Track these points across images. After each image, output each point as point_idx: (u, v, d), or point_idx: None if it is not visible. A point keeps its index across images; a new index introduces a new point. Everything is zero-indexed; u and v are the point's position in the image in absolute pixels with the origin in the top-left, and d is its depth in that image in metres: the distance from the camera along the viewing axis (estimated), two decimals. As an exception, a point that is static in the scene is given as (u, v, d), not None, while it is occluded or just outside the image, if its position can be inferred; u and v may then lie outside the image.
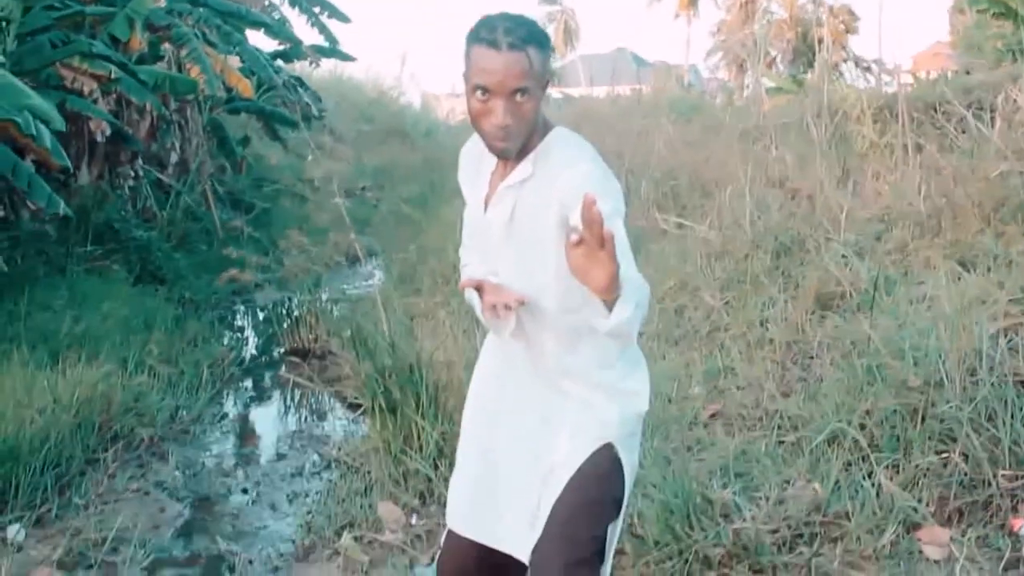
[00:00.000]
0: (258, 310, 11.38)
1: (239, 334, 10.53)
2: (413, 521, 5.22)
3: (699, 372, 6.17)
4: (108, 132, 11.40)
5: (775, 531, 4.35)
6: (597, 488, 2.85)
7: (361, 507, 5.32)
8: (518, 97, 2.66)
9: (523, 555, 2.92)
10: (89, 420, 6.45)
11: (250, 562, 5.05)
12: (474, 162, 3.02)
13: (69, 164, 8.83)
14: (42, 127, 7.68)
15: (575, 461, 2.85)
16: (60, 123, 8.27)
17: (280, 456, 6.65)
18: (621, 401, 2.90)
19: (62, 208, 8.28)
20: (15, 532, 5.29)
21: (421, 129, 28.33)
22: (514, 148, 2.75)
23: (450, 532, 3.14)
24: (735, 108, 14.51)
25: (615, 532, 2.91)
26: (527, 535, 2.89)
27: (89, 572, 4.93)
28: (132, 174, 13.06)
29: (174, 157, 14.70)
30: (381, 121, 27.58)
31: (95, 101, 11.24)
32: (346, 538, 5.03)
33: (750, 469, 4.96)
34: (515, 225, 2.83)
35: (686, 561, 4.18)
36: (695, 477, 4.71)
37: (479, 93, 2.68)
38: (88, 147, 12.05)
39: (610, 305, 2.49)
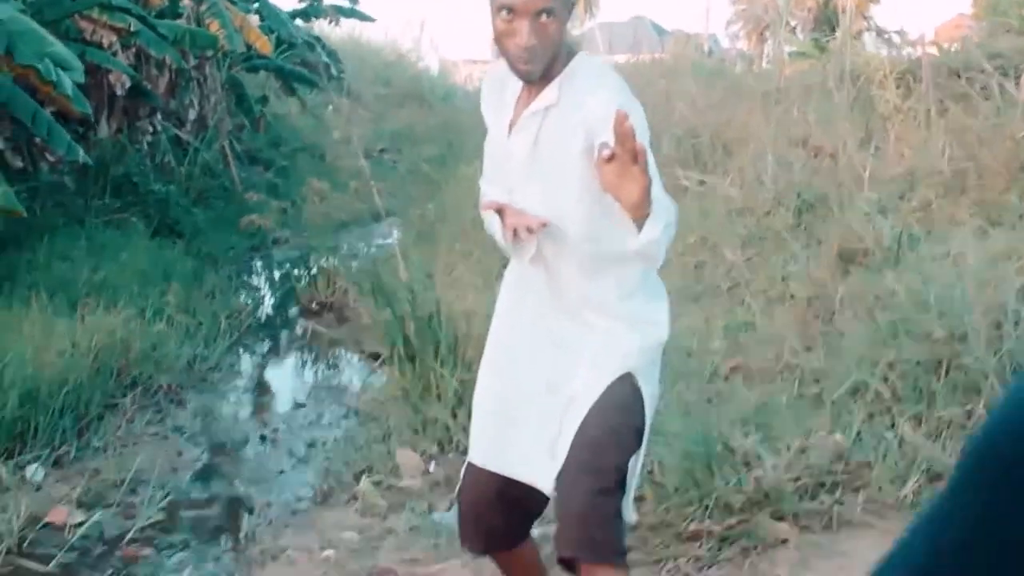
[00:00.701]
0: (276, 265, 11.37)
1: (257, 287, 10.53)
2: (431, 468, 5.20)
3: (719, 327, 6.13)
4: (127, 85, 11.37)
5: (796, 479, 4.31)
6: (618, 417, 2.81)
7: (379, 454, 5.31)
8: (543, 18, 2.62)
9: (543, 485, 2.89)
10: (107, 366, 6.45)
11: (268, 505, 5.05)
12: (497, 90, 2.98)
13: (89, 111, 8.82)
14: (63, 74, 7.64)
15: (596, 391, 2.81)
16: (80, 72, 8.22)
17: (298, 405, 6.65)
18: (642, 330, 2.87)
19: (81, 156, 8.26)
20: (34, 471, 5.31)
21: (439, 93, 28.21)
22: (538, 70, 2.71)
23: (470, 465, 3.12)
24: (757, 72, 14.40)
25: (637, 463, 2.88)
26: (548, 466, 2.85)
27: (107, 511, 4.93)
28: (150, 129, 13.03)
29: (192, 114, 14.65)
30: (399, 85, 27.45)
31: (114, 54, 11.21)
32: (364, 483, 5.03)
33: (771, 420, 4.92)
34: (539, 151, 2.80)
35: (707, 508, 4.15)
36: (716, 427, 4.68)
37: (504, 13, 2.64)
38: (108, 101, 12.02)
39: (640, 224, 2.47)
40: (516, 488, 3.01)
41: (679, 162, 8.43)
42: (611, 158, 2.35)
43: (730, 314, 6.31)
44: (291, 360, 7.89)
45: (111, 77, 11.36)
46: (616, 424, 2.80)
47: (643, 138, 2.51)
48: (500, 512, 3.09)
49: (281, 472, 5.53)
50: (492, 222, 2.90)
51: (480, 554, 3.36)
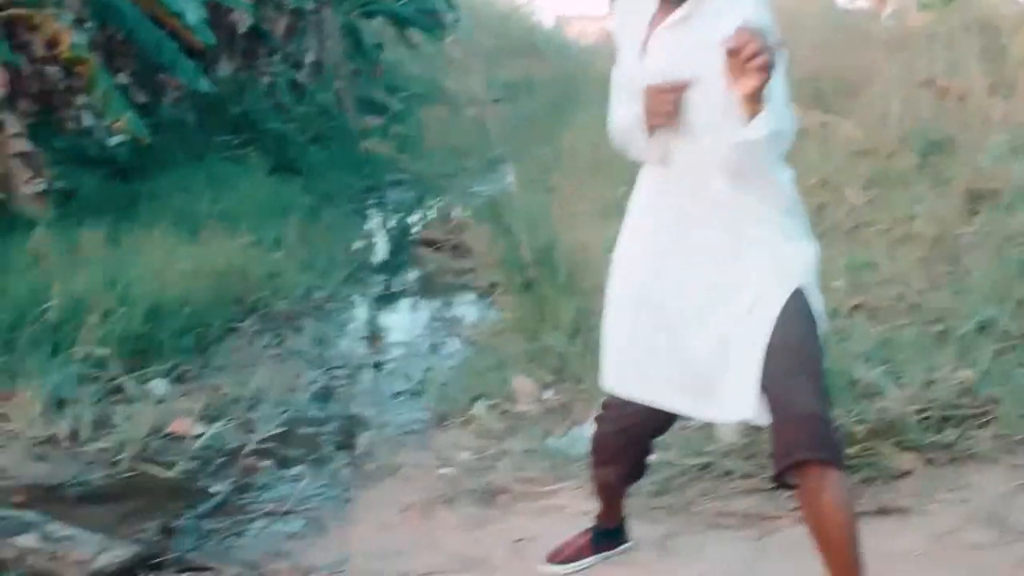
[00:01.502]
0: (393, 204, 11.42)
1: (374, 224, 10.58)
2: (547, 395, 5.18)
3: (840, 266, 5.99)
4: (249, 22, 11.49)
5: (922, 412, 4.20)
6: (806, 327, 2.74)
7: (495, 380, 5.29)
8: None
9: (701, 411, 2.93)
10: (227, 291, 6.55)
11: (384, 425, 5.08)
12: (632, 11, 2.93)
13: (214, 41, 8.91)
14: (187, 5, 7.74)
15: (775, 303, 2.73)
16: (201, 8, 8.32)
17: (414, 335, 6.67)
18: (803, 245, 2.80)
19: (205, 85, 8.36)
20: (157, 385, 5.41)
21: (552, 47, 28.08)
22: None
23: (612, 397, 3.11)
24: (882, 20, 14.06)
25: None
26: (713, 386, 2.82)
27: (227, 425, 5.01)
28: (269, 71, 13.18)
29: (310, 57, 14.79)
30: (513, 37, 27.37)
31: (235, -7, 11.34)
32: (479, 407, 5.03)
33: (894, 356, 4.80)
34: (675, 65, 2.74)
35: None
36: (837, 360, 4.57)
37: None
38: (228, 41, 12.18)
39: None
40: (657, 417, 3.04)
41: (800, 104, 8.24)
42: (732, 52, 2.41)
43: (851, 253, 6.16)
44: (407, 293, 7.91)
45: (233, 15, 11.51)
46: (806, 333, 2.74)
47: (770, 43, 2.47)
48: (640, 440, 3.19)
49: (397, 396, 5.55)
50: (630, 123, 2.86)
51: (606, 485, 3.38)
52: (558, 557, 3.56)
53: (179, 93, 11.04)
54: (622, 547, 3.60)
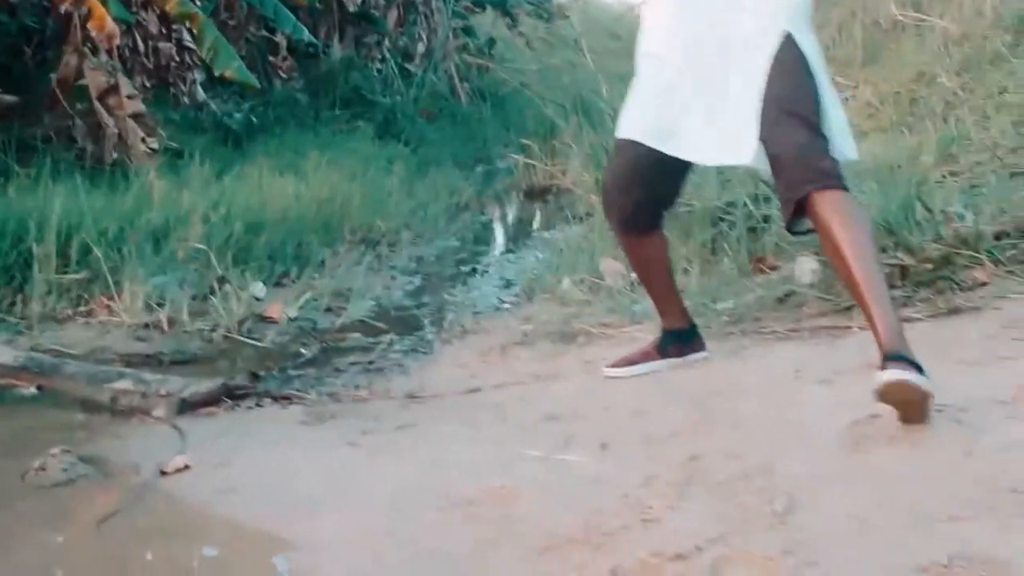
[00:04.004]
0: (499, 171, 11.52)
1: (479, 179, 10.68)
2: (633, 274, 5.19)
3: (931, 143, 5.88)
4: (359, 2, 11.73)
5: (998, 231, 4.11)
6: (797, 72, 2.88)
7: (583, 261, 5.33)
8: None
9: (704, 157, 3.06)
10: (330, 215, 6.70)
11: (474, 304, 5.16)
12: None
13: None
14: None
15: (767, 50, 2.85)
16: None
17: (510, 251, 6.75)
18: None
19: (306, 35, 8.58)
20: (258, 288, 5.55)
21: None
22: None
23: (624, 140, 3.17)
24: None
25: (830, 112, 2.92)
26: (717, 134, 2.92)
27: (317, 312, 5.13)
28: (379, 56, 13.44)
29: (421, 48, 15.03)
30: (627, 39, 27.30)
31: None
32: (566, 282, 5.07)
33: (976, 198, 4.69)
34: None
35: (902, 261, 4.01)
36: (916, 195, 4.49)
37: None
38: (339, 25, 12.49)
39: None
40: (663, 166, 3.12)
41: (897, 6, 8.13)
42: None
43: (943, 129, 6.04)
44: (505, 222, 8.01)
45: (344, -1, 11.82)
46: (797, 80, 2.87)
47: None
48: (642, 188, 3.21)
49: (491, 288, 5.63)
50: None
51: (619, 231, 3.42)
52: (623, 362, 3.58)
53: (289, 75, 11.34)
54: (693, 355, 3.60)
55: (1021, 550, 1.92)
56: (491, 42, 17.63)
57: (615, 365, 3.57)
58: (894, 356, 2.46)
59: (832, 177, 2.75)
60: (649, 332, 4.06)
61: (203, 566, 2.55)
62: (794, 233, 2.95)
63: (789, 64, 2.85)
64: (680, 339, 3.57)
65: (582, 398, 3.38)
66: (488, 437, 3.13)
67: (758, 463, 2.52)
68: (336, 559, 2.44)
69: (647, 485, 2.57)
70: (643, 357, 3.56)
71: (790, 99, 2.82)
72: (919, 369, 2.44)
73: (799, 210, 2.78)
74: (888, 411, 2.50)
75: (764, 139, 2.83)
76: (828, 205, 2.70)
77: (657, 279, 3.52)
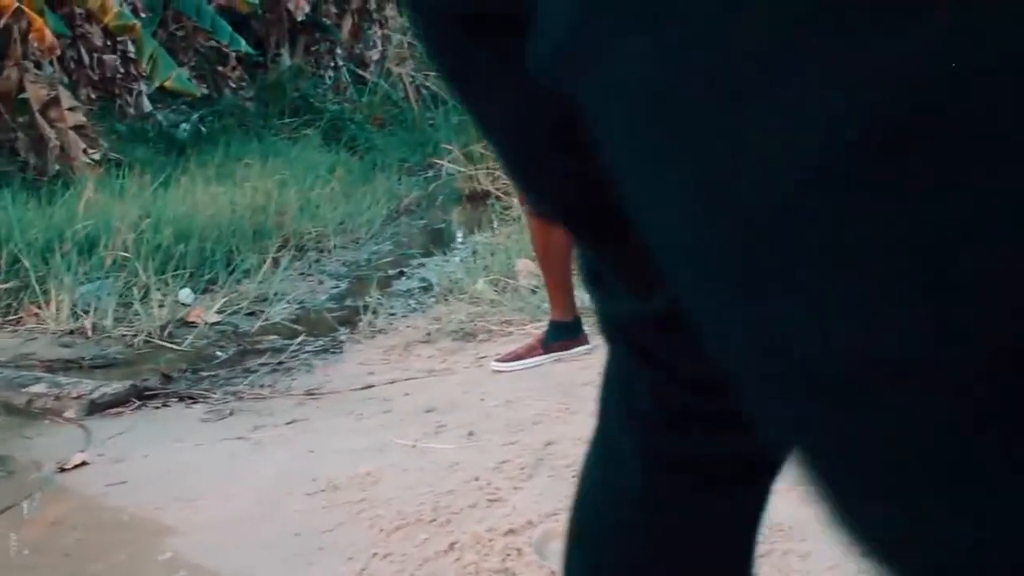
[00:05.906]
0: (447, 173, 11.63)
1: (422, 183, 10.77)
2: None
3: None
4: (307, 9, 11.89)
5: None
6: None
7: (500, 262, 5.51)
8: None
9: None
10: (261, 221, 6.84)
11: (391, 308, 5.32)
12: None
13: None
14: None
15: None
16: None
17: (440, 254, 6.89)
18: None
19: (244, 46, 8.75)
20: (185, 295, 5.71)
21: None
22: None
23: None
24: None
25: None
26: None
27: (239, 316, 5.30)
28: (332, 64, 13.60)
29: (375, 55, 15.18)
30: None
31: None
32: (481, 283, 5.24)
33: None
34: None
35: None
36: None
37: None
38: (288, 34, 12.64)
39: None
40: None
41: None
42: None
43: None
44: (439, 227, 8.17)
45: (290, 5, 11.95)
46: None
47: None
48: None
49: (412, 290, 5.79)
50: None
51: (530, 213, 3.62)
52: (511, 356, 3.76)
53: (239, 85, 11.50)
54: (577, 348, 3.77)
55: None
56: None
57: (502, 360, 3.74)
58: None
59: None
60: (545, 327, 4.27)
61: (89, 552, 2.71)
62: None
63: None
64: (566, 332, 3.75)
65: (463, 391, 3.56)
66: (368, 428, 3.31)
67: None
68: (210, 540, 2.62)
69: (499, 469, 2.76)
70: (528, 351, 3.74)
71: None
72: None
73: None
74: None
75: None
76: None
77: (556, 267, 3.66)
